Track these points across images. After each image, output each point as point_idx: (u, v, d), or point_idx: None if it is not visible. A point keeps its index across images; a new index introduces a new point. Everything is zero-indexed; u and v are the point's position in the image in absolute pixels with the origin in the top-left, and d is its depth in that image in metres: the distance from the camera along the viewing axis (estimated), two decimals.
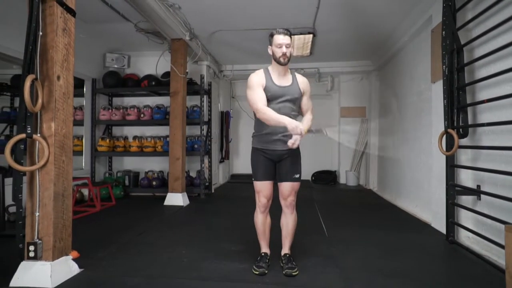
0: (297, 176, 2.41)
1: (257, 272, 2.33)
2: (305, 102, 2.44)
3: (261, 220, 2.47)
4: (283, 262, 2.43)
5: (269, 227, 2.52)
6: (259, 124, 2.36)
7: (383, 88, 6.37)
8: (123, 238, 3.20)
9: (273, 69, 2.36)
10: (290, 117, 2.20)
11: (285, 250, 2.50)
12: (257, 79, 2.31)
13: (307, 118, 2.38)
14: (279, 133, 2.28)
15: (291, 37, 2.30)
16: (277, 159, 2.40)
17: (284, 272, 2.32)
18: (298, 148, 2.36)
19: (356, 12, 4.32)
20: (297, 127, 2.07)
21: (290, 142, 2.10)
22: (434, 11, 3.63)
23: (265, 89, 2.31)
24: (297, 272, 2.31)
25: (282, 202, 2.45)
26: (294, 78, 2.40)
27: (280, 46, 2.25)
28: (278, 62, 2.30)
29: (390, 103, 5.82)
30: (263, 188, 2.40)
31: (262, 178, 2.40)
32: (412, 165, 4.65)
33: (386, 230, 3.59)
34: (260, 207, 2.44)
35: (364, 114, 7.35)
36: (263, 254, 2.49)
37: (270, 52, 2.33)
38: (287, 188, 2.40)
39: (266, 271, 2.35)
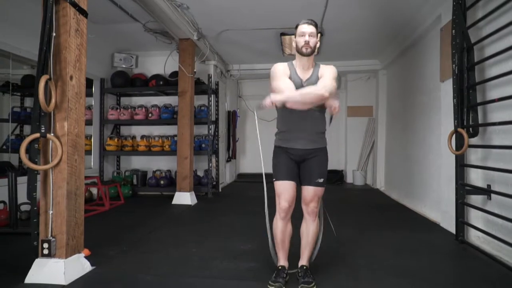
0: (321, 180, 2.17)
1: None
2: (320, 80, 2.11)
3: (280, 227, 2.19)
4: (300, 274, 2.17)
5: (289, 237, 2.23)
6: (282, 120, 2.21)
7: (391, 87, 6.34)
8: (133, 237, 3.23)
9: (297, 62, 2.19)
10: (313, 113, 2.12)
11: (303, 261, 2.23)
12: (281, 68, 2.16)
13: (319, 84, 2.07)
14: (303, 131, 2.14)
15: (316, 28, 2.12)
16: (300, 160, 2.18)
17: (299, 287, 2.07)
18: (325, 148, 2.23)
19: (364, 11, 4.30)
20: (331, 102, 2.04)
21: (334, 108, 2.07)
22: (444, 10, 3.61)
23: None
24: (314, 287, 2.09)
25: (304, 208, 2.22)
26: (315, 70, 2.19)
27: (303, 34, 2.08)
28: (301, 53, 2.11)
29: (398, 102, 5.79)
30: (284, 190, 2.14)
31: (284, 178, 2.14)
32: (420, 165, 4.63)
33: (394, 229, 3.58)
34: (280, 213, 2.17)
35: (371, 114, 7.33)
36: (280, 267, 2.20)
37: (294, 45, 2.17)
38: (310, 193, 2.16)
39: (284, 287, 2.09)
